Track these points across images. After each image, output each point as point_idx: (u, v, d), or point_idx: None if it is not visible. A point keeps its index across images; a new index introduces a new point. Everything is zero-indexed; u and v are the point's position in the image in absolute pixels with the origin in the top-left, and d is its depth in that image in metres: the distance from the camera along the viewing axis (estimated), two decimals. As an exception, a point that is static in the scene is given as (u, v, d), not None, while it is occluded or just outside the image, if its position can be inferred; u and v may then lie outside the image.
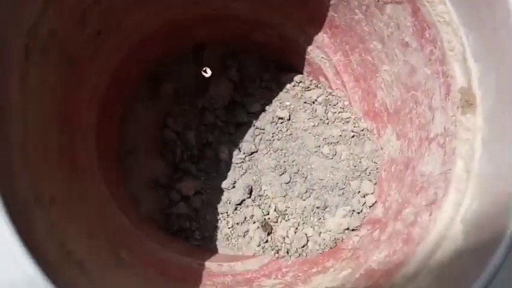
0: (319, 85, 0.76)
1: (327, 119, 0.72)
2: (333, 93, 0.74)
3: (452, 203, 0.50)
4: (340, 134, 0.70)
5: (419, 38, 0.57)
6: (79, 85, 0.61)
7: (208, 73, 0.82)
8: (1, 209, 0.36)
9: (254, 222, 0.70)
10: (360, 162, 0.68)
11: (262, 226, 0.69)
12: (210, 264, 0.65)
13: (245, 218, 0.71)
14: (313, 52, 0.74)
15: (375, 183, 0.67)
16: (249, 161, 0.75)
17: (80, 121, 0.64)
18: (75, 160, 0.60)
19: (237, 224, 0.71)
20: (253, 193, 0.73)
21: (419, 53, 0.58)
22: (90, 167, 0.65)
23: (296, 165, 0.71)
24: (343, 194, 0.68)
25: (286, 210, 0.70)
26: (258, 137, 0.76)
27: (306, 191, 0.69)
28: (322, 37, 0.73)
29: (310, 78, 0.78)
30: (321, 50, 0.74)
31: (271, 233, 0.69)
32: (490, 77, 0.49)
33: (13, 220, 0.35)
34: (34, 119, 0.46)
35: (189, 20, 0.74)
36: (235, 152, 0.76)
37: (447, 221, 0.49)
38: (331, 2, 0.65)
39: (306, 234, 0.67)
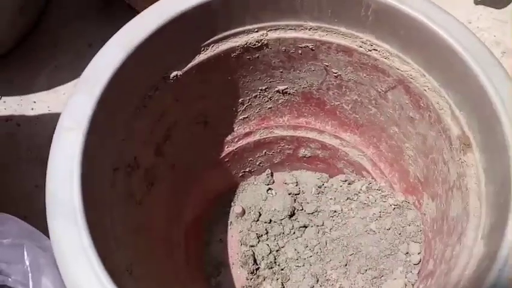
0: (361, 178, 0.87)
1: (370, 201, 0.82)
2: (374, 181, 0.85)
3: (473, 228, 0.57)
4: (380, 210, 0.79)
5: (417, 109, 0.69)
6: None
7: (274, 193, 0.97)
8: None
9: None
10: (405, 229, 0.75)
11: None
12: None
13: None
14: (351, 152, 0.88)
15: (421, 243, 0.73)
16: (316, 253, 0.84)
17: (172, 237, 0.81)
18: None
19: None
20: (319, 279, 0.81)
21: (422, 121, 0.69)
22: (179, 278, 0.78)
23: (351, 247, 0.80)
24: (394, 259, 0.74)
25: (349, 287, 0.77)
26: (320, 232, 0.86)
27: (362, 266, 0.77)
28: (353, 138, 0.87)
29: (354, 174, 0.90)
30: (356, 149, 0.87)
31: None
32: (473, 118, 0.60)
33: None
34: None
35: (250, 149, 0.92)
36: (303, 249, 0.86)
37: (471, 242, 0.56)
38: (350, 106, 0.81)
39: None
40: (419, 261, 0.72)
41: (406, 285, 0.70)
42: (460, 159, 0.62)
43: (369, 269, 0.76)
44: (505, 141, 0.53)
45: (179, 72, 0.69)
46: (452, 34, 0.59)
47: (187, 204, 0.86)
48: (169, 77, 0.68)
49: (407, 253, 0.74)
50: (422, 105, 0.68)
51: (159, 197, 0.75)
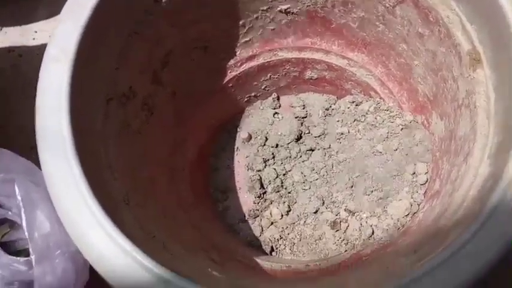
0: (369, 99, 0.84)
1: (377, 122, 0.79)
2: (382, 101, 0.82)
3: (480, 147, 0.55)
4: (388, 131, 0.77)
5: (427, 24, 0.65)
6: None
7: (281, 117, 0.95)
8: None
9: (328, 225, 0.78)
10: (411, 149, 0.73)
11: (332, 226, 0.77)
12: (297, 266, 0.73)
13: (321, 222, 0.79)
14: (358, 72, 0.84)
15: (428, 164, 0.71)
16: (322, 176, 0.84)
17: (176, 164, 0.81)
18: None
19: (314, 230, 0.79)
20: (325, 201, 0.81)
21: (432, 37, 0.66)
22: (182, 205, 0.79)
23: (357, 169, 0.79)
24: (400, 180, 0.73)
25: (354, 208, 0.77)
26: (326, 155, 0.85)
27: (368, 188, 0.76)
28: (361, 57, 0.83)
29: (362, 95, 0.87)
30: (364, 68, 0.83)
31: (339, 230, 0.76)
32: (484, 32, 0.56)
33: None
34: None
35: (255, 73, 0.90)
36: (309, 173, 0.85)
37: (477, 162, 0.54)
38: (357, 24, 0.77)
39: (371, 225, 0.73)
40: (426, 181, 0.71)
41: (411, 205, 0.70)
42: (470, 75, 0.58)
43: (375, 190, 0.76)
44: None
45: (166, -4, 0.65)
46: None
47: (191, 131, 0.85)
48: (162, 0, 0.64)
49: (414, 173, 0.73)
50: (431, 19, 0.63)
51: (159, 125, 0.74)
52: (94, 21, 0.54)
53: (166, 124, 0.77)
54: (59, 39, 0.52)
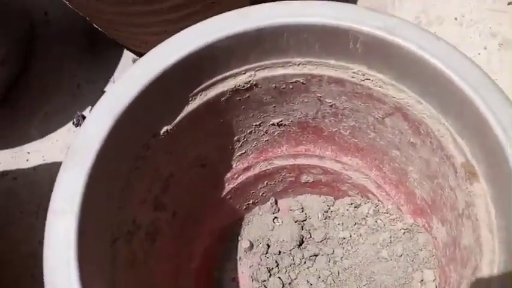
0: (367, 201, 0.85)
1: (378, 226, 0.80)
2: (381, 204, 0.83)
3: (487, 262, 0.55)
4: (390, 235, 0.77)
5: (418, 135, 0.67)
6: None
7: (281, 222, 0.95)
8: None
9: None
10: (417, 254, 0.73)
11: None
12: None
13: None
14: (354, 175, 0.85)
15: (435, 270, 0.71)
16: (329, 285, 0.82)
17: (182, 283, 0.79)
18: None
19: None
20: (336, 312, 0.79)
21: (424, 147, 0.67)
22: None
23: (364, 277, 0.78)
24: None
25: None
26: (331, 261, 0.84)
27: (378, 296, 0.75)
28: (355, 161, 0.85)
29: (360, 197, 0.88)
30: (359, 172, 0.85)
31: None
32: (476, 147, 0.58)
33: None
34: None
35: (251, 182, 0.90)
36: (315, 281, 0.84)
37: (487, 279, 0.54)
38: (348, 132, 0.79)
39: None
40: (437, 289, 0.70)
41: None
42: (467, 188, 0.59)
43: (385, 300, 0.75)
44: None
45: (169, 127, 0.67)
46: (446, 61, 0.57)
47: (193, 249, 0.84)
48: (160, 133, 0.66)
49: (422, 281, 0.72)
50: (422, 131, 0.65)
51: (163, 249, 0.73)
52: (98, 166, 0.55)
53: (169, 246, 0.76)
54: (63, 188, 0.53)
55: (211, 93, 0.68)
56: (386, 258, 0.77)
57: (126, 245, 0.61)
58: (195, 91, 0.67)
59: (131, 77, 0.59)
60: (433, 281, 0.71)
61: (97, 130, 0.56)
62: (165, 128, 0.66)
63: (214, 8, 0.93)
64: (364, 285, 0.78)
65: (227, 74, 0.67)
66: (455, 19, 1.17)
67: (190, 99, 0.67)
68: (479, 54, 1.13)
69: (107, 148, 0.56)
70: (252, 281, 0.89)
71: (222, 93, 0.69)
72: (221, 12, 0.62)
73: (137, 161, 0.63)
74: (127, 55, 1.20)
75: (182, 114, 0.68)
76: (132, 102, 0.58)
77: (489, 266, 0.54)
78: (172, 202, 0.76)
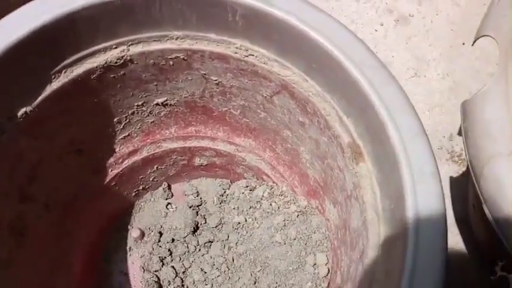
0: (262, 183, 0.81)
1: (273, 209, 0.76)
2: (276, 186, 0.79)
3: (372, 246, 0.52)
4: (284, 218, 0.74)
5: (306, 114, 0.63)
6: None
7: (174, 208, 0.90)
8: None
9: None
10: (310, 237, 0.71)
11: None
12: None
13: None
14: (247, 157, 0.81)
15: (327, 253, 0.69)
16: (223, 272, 0.78)
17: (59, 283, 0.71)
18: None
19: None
20: (230, 301, 0.75)
21: (312, 126, 0.64)
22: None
23: (258, 262, 0.75)
24: (302, 273, 0.70)
25: (260, 307, 0.72)
26: (225, 247, 0.80)
27: (272, 284, 0.72)
28: (248, 142, 0.80)
29: (255, 179, 0.84)
30: (253, 153, 0.81)
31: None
32: (360, 126, 0.55)
33: None
34: None
35: (139, 167, 0.83)
36: (210, 269, 0.79)
37: (373, 265, 0.51)
38: (239, 111, 0.74)
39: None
40: (328, 273, 0.68)
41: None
42: (354, 168, 0.57)
43: (278, 286, 0.72)
44: (395, 155, 0.48)
45: (29, 108, 0.58)
46: (328, 36, 0.53)
47: (74, 242, 0.76)
48: (17, 115, 0.57)
49: (315, 264, 0.70)
50: (309, 110, 0.62)
51: (35, 246, 0.65)
52: None
53: (43, 243, 0.68)
54: None
55: (78, 70, 0.60)
56: (280, 243, 0.74)
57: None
58: (58, 68, 0.58)
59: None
60: (326, 264, 0.69)
61: None
62: (23, 110, 0.58)
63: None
64: (259, 271, 0.75)
65: (95, 48, 0.60)
66: (353, -6, 1.16)
67: (53, 76, 0.59)
68: (376, 30, 1.13)
69: None
70: (144, 271, 0.83)
71: (92, 70, 0.61)
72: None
73: (-12, 148, 0.54)
74: None
75: (44, 94, 0.59)
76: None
77: (374, 250, 0.52)
78: (42, 193, 0.67)
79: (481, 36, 0.59)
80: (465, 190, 0.93)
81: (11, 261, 0.61)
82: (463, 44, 1.09)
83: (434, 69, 1.07)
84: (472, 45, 0.61)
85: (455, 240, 0.90)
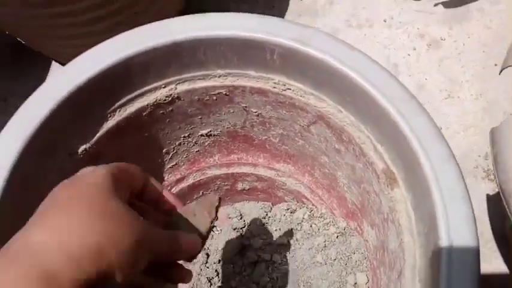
0: (302, 206, 0.86)
1: (313, 231, 0.80)
2: (315, 208, 0.83)
3: (409, 268, 0.55)
4: (324, 239, 0.77)
5: (341, 142, 0.67)
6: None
7: (220, 230, 0.95)
8: None
9: None
10: (350, 258, 0.74)
11: None
12: None
13: None
14: (288, 181, 0.86)
15: (367, 272, 0.72)
16: (269, 292, 0.82)
17: None
18: None
19: None
20: (274, 321, 0.79)
21: (348, 153, 0.68)
22: None
23: (301, 282, 0.78)
24: (344, 292, 0.73)
25: (303, 326, 0.76)
26: (269, 268, 0.84)
27: (315, 302, 0.75)
28: (288, 168, 0.85)
29: (295, 202, 0.88)
30: (293, 178, 0.85)
31: None
32: (394, 154, 0.59)
33: None
34: None
35: (186, 193, 0.89)
36: (255, 289, 0.84)
37: (410, 284, 0.54)
38: (278, 139, 0.79)
39: None
40: (369, 292, 0.71)
41: (357, 321, 0.70)
42: (389, 193, 0.60)
43: (321, 305, 0.75)
44: (427, 182, 0.52)
45: (87, 145, 0.64)
46: (360, 71, 0.57)
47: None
48: (78, 152, 0.63)
49: (355, 284, 0.73)
50: (344, 138, 0.66)
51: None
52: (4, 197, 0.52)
53: None
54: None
55: (131, 108, 0.67)
56: (321, 263, 0.78)
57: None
58: (113, 107, 0.65)
59: (42, 94, 0.57)
60: (366, 283, 0.72)
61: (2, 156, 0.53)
62: (83, 147, 0.64)
63: (139, 18, 0.90)
64: (301, 291, 0.79)
65: (146, 88, 0.66)
66: (385, 21, 1.19)
67: (109, 115, 0.65)
68: (408, 55, 1.16)
69: (14, 179, 0.53)
70: (192, 293, 0.88)
71: (143, 108, 0.67)
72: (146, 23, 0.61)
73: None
74: (56, 66, 1.16)
75: (101, 132, 0.66)
76: (43, 123, 0.56)
77: (411, 271, 0.55)
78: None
79: (507, 67, 0.61)
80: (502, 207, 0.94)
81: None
82: (495, 65, 1.11)
83: (467, 90, 1.09)
84: (499, 74, 0.64)
85: (494, 256, 0.91)
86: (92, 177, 0.36)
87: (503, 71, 0.65)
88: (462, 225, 0.50)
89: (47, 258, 0.29)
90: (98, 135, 0.65)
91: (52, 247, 0.30)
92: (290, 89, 0.66)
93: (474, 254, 0.49)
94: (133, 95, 0.65)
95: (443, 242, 0.49)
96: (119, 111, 0.66)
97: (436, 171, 0.52)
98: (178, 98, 0.69)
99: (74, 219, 0.32)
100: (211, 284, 0.87)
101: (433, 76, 1.11)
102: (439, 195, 0.51)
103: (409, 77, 1.11)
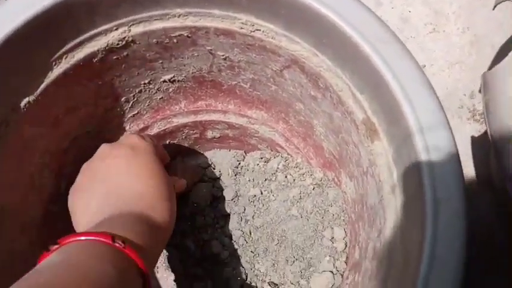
0: (277, 155, 0.80)
1: (288, 182, 0.75)
2: (290, 158, 0.78)
3: (392, 226, 0.51)
4: (300, 191, 0.73)
5: (317, 88, 0.61)
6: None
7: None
8: None
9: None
10: (327, 211, 0.70)
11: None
12: None
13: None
14: (261, 129, 0.79)
15: (345, 227, 0.68)
16: (241, 246, 0.78)
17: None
18: None
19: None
20: (249, 275, 0.76)
21: (325, 100, 0.62)
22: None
23: (276, 236, 0.74)
24: (320, 247, 0.69)
25: (278, 280, 0.72)
26: (242, 221, 0.80)
27: (289, 257, 0.72)
28: (260, 115, 0.78)
29: (269, 151, 0.83)
30: (266, 125, 0.79)
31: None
32: (374, 102, 0.52)
33: None
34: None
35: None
36: (228, 241, 0.80)
37: (391, 245, 0.50)
38: (249, 84, 0.72)
39: (298, 299, 0.69)
40: (345, 247, 0.68)
41: (334, 277, 0.66)
42: (369, 146, 0.55)
43: (296, 259, 0.71)
44: (411, 135, 0.46)
45: (32, 97, 0.57)
46: (338, 10, 0.50)
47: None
48: (21, 106, 0.56)
49: (332, 238, 0.69)
50: (321, 85, 0.59)
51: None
52: None
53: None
54: None
55: (79, 54, 0.58)
56: (296, 216, 0.74)
57: None
58: (58, 54, 0.57)
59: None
60: (343, 238, 0.69)
61: None
62: (26, 100, 0.56)
63: None
64: (276, 245, 0.75)
65: (94, 31, 0.58)
66: None
67: (54, 63, 0.57)
68: None
69: None
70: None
71: (93, 54, 0.59)
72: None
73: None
74: None
75: (47, 81, 0.58)
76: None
77: (392, 231, 0.51)
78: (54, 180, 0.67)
79: (501, 2, 0.54)
80: (487, 150, 0.90)
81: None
82: (485, -6, 1.03)
83: (454, 23, 1.01)
84: (493, 9, 0.57)
85: (477, 202, 0.89)
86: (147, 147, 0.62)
87: (494, 9, 0.58)
88: (449, 179, 0.45)
89: None
90: (42, 86, 0.57)
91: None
92: (259, 30, 0.58)
93: (462, 212, 0.44)
94: (79, 39, 0.57)
95: (428, 200, 0.44)
96: (65, 58, 0.58)
97: (421, 123, 0.46)
98: (133, 41, 0.61)
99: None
100: (183, 237, 0.83)
101: (418, 8, 1.03)
102: (425, 149, 0.46)
103: (392, 9, 1.03)
